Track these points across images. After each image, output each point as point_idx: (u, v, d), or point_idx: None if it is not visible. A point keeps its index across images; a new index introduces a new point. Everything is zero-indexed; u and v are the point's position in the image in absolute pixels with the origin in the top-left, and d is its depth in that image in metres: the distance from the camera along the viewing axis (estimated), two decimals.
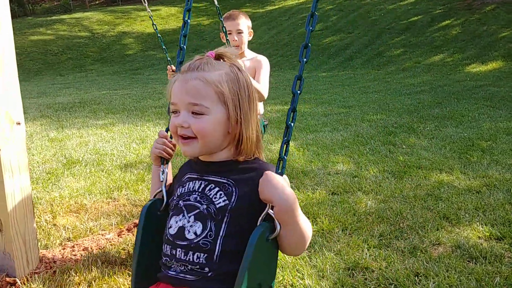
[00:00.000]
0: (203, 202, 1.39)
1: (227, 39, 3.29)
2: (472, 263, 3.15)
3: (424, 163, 5.30)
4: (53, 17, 28.28)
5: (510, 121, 7.50)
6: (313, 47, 20.14)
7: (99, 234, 3.71)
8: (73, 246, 3.49)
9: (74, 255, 3.37)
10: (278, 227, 1.31)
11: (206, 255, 1.35)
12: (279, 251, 1.40)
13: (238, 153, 1.44)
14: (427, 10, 21.49)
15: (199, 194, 1.41)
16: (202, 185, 1.42)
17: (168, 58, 3.35)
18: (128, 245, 3.48)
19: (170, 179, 1.64)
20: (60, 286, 2.90)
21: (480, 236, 3.55)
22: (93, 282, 2.96)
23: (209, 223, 1.36)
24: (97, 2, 36.11)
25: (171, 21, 26.85)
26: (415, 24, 20.38)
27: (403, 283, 2.90)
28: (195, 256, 1.36)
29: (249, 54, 3.54)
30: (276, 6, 27.67)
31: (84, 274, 3.05)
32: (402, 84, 13.01)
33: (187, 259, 1.36)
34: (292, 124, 1.43)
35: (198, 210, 1.38)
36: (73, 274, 3.07)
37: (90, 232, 3.73)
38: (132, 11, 28.75)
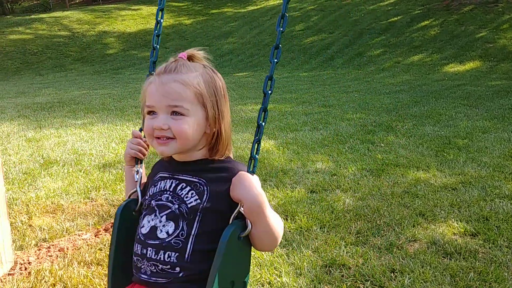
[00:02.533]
0: (174, 202, 1.40)
1: None
2: (447, 259, 3.21)
3: (401, 161, 5.36)
4: (32, 16, 27.85)
5: (486, 120, 7.64)
6: (295, 47, 20.23)
7: (76, 234, 3.67)
8: (49, 247, 3.45)
9: (50, 256, 3.33)
10: (249, 226, 1.34)
11: (177, 254, 1.36)
12: (251, 248, 1.42)
13: (212, 152, 1.47)
14: (406, 10, 21.74)
15: (171, 193, 1.42)
16: (174, 184, 1.44)
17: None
18: (105, 245, 3.45)
19: (144, 179, 1.63)
20: None
21: (455, 232, 3.61)
22: (68, 283, 2.93)
23: (181, 222, 1.38)
24: (77, 1, 35.69)
25: (152, 20, 26.63)
26: (395, 24, 20.61)
27: (379, 279, 2.94)
28: (166, 255, 1.37)
29: None
30: (258, 6, 27.69)
31: (60, 275, 3.02)
32: (382, 83, 13.14)
33: (158, 258, 1.37)
34: (263, 123, 1.44)
35: (170, 210, 1.40)
36: (48, 275, 3.03)
37: (66, 232, 3.69)
38: (113, 10, 28.47)
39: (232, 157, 1.53)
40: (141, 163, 1.63)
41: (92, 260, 3.25)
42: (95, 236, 3.66)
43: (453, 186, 4.55)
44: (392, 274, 3.01)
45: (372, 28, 20.62)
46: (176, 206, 1.39)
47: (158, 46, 1.73)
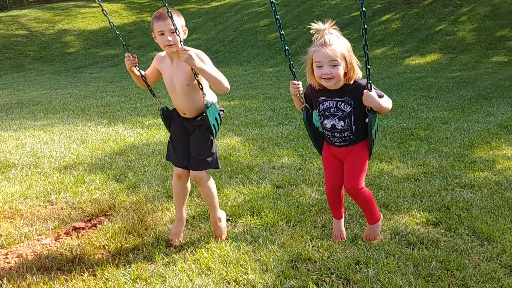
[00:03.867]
0: (338, 112, 2.79)
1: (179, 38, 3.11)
2: (410, 248, 3.26)
3: None
4: None
5: (447, 111, 7.82)
6: (259, 43, 20.21)
7: (35, 239, 3.55)
8: (7, 254, 3.33)
9: (8, 262, 3.22)
10: (376, 112, 2.78)
11: (349, 131, 2.83)
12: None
13: (347, 79, 2.74)
14: (368, 5, 22.00)
15: (335, 108, 2.80)
16: (334, 103, 2.80)
17: (124, 43, 3.30)
18: (66, 249, 3.35)
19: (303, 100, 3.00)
20: None
21: (418, 222, 3.67)
22: None
23: (346, 119, 2.80)
24: None
25: (114, 17, 26.06)
26: (357, 19, 20.82)
27: (344, 271, 2.96)
28: (344, 133, 2.84)
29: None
30: (221, 2, 27.50)
31: (18, 282, 2.92)
32: None
33: (341, 135, 2.85)
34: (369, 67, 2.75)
35: (338, 115, 2.80)
36: (6, 282, 2.92)
37: (25, 238, 3.56)
38: (72, 7, 27.73)
39: (360, 74, 2.77)
40: (302, 95, 2.95)
41: (53, 265, 3.16)
42: (55, 240, 3.55)
43: (415, 177, 4.63)
44: (357, 266, 3.04)
45: (335, 23, 20.80)
46: (340, 113, 2.80)
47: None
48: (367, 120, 2.77)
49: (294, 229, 3.58)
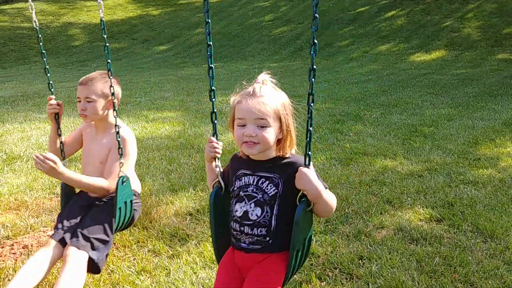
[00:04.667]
0: (258, 193, 1.95)
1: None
2: (413, 244, 3.27)
3: (369, 149, 5.43)
4: None
5: (451, 108, 7.80)
6: (264, 38, 20.18)
7: (41, 231, 3.58)
8: (12, 245, 3.35)
9: (14, 253, 3.24)
10: (312, 204, 1.87)
11: (266, 229, 1.94)
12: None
13: (280, 151, 1.97)
14: (373, 0, 21.94)
15: (254, 186, 1.96)
16: (256, 180, 1.98)
17: (50, 82, 2.88)
18: None
19: (221, 169, 2.14)
20: None
21: (421, 218, 3.68)
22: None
23: (266, 207, 1.94)
24: None
25: (119, 11, 26.13)
26: (362, 14, 20.78)
27: (347, 266, 2.97)
28: (258, 231, 1.94)
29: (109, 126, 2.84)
30: None
31: None
32: (350, 73, 13.26)
33: (253, 233, 1.95)
34: (311, 129, 1.83)
35: (256, 199, 1.95)
36: (12, 273, 2.95)
37: (30, 229, 3.59)
38: (77, 0, 27.77)
39: (294, 151, 2.02)
40: (218, 160, 2.12)
41: None
42: None
43: (419, 173, 4.64)
44: (360, 261, 3.05)
45: (340, 19, 20.76)
46: (260, 195, 1.94)
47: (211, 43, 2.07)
48: (296, 217, 1.86)
49: None
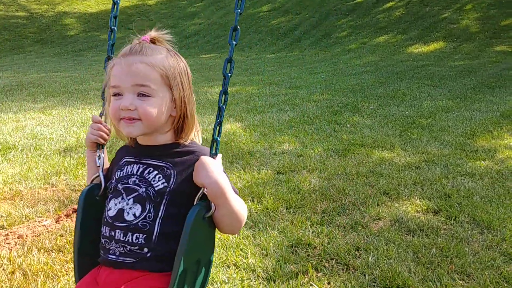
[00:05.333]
0: (142, 185, 1.44)
1: None
2: (410, 236, 3.26)
3: (367, 141, 5.41)
4: None
5: (449, 99, 7.79)
6: (262, 28, 20.08)
7: (36, 221, 3.55)
8: (7, 234, 3.33)
9: (8, 243, 3.22)
10: (213, 207, 1.38)
11: (145, 235, 1.41)
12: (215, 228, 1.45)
13: (178, 135, 1.51)
14: None
15: (138, 177, 1.46)
16: (141, 169, 1.48)
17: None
18: (66, 231, 3.35)
19: (106, 164, 1.66)
20: None
21: (418, 210, 3.67)
22: (28, 270, 2.83)
23: (148, 205, 1.42)
24: None
25: None
26: (361, 5, 20.69)
27: (344, 257, 2.96)
28: (134, 237, 1.41)
29: None
30: None
31: (19, 263, 2.92)
32: (348, 64, 13.22)
33: (126, 239, 1.41)
34: (224, 106, 1.47)
35: (137, 193, 1.44)
36: (7, 263, 2.93)
37: (25, 219, 3.56)
38: None
39: (199, 140, 1.58)
40: (102, 148, 1.65)
41: (53, 246, 3.16)
42: (55, 222, 3.55)
43: (417, 165, 4.62)
44: (356, 252, 3.04)
45: (338, 9, 20.66)
46: (144, 189, 1.43)
47: (115, 28, 1.72)
48: (187, 221, 1.34)
49: (294, 215, 3.58)
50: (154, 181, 1.44)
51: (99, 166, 1.61)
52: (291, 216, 3.56)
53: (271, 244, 3.14)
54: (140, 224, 1.41)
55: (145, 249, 1.40)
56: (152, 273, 1.41)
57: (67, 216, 3.65)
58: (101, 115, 1.68)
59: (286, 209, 3.70)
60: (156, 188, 1.42)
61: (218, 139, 1.44)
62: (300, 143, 5.43)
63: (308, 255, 3.01)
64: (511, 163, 4.69)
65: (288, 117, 6.72)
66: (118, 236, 1.42)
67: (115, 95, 1.44)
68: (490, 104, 7.39)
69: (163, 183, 1.43)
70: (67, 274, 2.82)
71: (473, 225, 3.39)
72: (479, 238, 3.20)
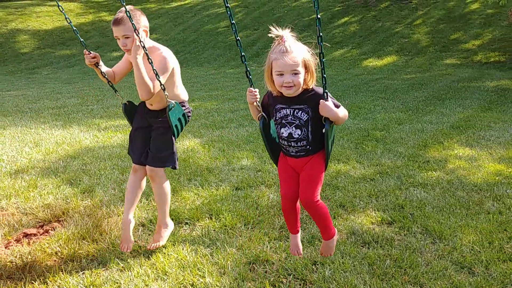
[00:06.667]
0: (295, 120, 2.63)
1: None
2: (365, 248, 3.32)
3: None
4: None
5: (402, 112, 8.02)
6: (220, 44, 20.16)
7: None
8: None
9: None
10: (333, 122, 2.60)
11: (305, 141, 2.67)
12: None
13: (305, 85, 2.58)
14: (327, 7, 22.35)
15: (292, 116, 2.64)
16: (292, 111, 2.63)
17: (82, 40, 3.19)
18: (16, 257, 3.23)
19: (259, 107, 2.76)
20: None
21: (373, 221, 3.74)
22: None
23: (303, 128, 2.64)
24: None
25: (70, 16, 25.41)
26: None
27: (301, 272, 2.98)
28: (301, 143, 2.67)
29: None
30: (182, 3, 27.28)
31: None
32: None
33: (297, 145, 2.68)
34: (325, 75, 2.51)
35: (295, 124, 2.64)
36: None
37: None
38: (26, 6, 26.83)
39: (315, 84, 2.62)
40: (258, 102, 2.71)
41: (2, 273, 3.04)
42: (5, 247, 3.42)
43: (371, 177, 4.73)
44: (314, 267, 3.06)
45: (295, 25, 21.01)
46: (298, 121, 2.63)
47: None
48: (324, 131, 2.62)
49: (252, 231, 3.58)
50: (301, 116, 2.62)
51: (260, 110, 2.73)
52: (249, 232, 3.56)
53: (228, 262, 3.12)
54: (302, 137, 2.66)
55: (308, 147, 2.68)
56: (315, 155, 2.71)
57: (17, 241, 3.52)
58: (250, 85, 2.71)
59: (244, 225, 3.70)
60: (303, 120, 2.62)
61: (327, 91, 2.52)
62: (258, 158, 5.45)
63: (265, 272, 3.02)
64: (461, 173, 4.86)
65: (247, 132, 6.75)
66: (293, 145, 2.68)
67: (278, 74, 2.52)
68: (441, 115, 7.66)
69: (306, 116, 2.61)
70: None
71: (425, 235, 3.49)
72: (432, 248, 3.29)
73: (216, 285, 2.87)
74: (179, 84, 3.33)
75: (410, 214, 3.83)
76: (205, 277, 2.95)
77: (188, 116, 3.37)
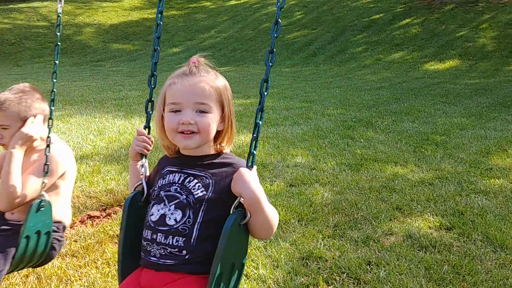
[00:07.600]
0: (182, 193, 1.58)
1: None
2: (422, 252, 3.25)
3: (380, 156, 5.41)
4: (10, 6, 27.25)
5: (464, 117, 7.75)
6: (277, 42, 20.09)
7: None
8: None
9: None
10: (248, 215, 1.50)
11: (184, 239, 1.54)
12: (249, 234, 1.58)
13: (217, 147, 1.67)
14: (388, 8, 21.90)
15: (179, 185, 1.60)
16: (182, 178, 1.62)
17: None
18: (80, 237, 3.41)
19: (148, 172, 1.80)
20: (5, 279, 2.81)
21: (431, 226, 3.65)
22: (42, 274, 2.89)
23: (188, 211, 1.56)
24: None
25: (134, 13, 26.34)
26: (377, 22, 20.74)
27: (355, 271, 2.96)
28: (174, 240, 1.54)
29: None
30: (241, 1, 27.58)
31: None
32: (363, 80, 13.23)
33: (167, 242, 1.55)
34: (260, 122, 1.57)
35: (178, 200, 1.58)
36: None
37: None
38: (93, 1, 28.04)
39: (230, 150, 1.73)
40: (145, 158, 1.79)
41: (67, 251, 3.21)
42: (70, 227, 3.61)
43: (430, 181, 4.61)
44: (368, 267, 3.03)
45: (354, 25, 20.73)
46: (184, 196, 1.57)
47: (158, 48, 1.85)
48: (224, 229, 1.46)
49: (306, 228, 3.59)
50: (194, 189, 1.58)
51: (142, 175, 1.74)
52: (302, 229, 3.57)
53: (282, 255, 3.15)
54: (180, 228, 1.54)
55: (184, 251, 1.54)
56: (190, 276, 1.54)
57: (82, 222, 3.71)
58: (145, 127, 1.81)
59: (298, 221, 3.71)
60: (195, 196, 1.57)
61: (255, 152, 1.55)
62: (313, 156, 5.44)
63: (319, 268, 3.02)
64: None
65: (301, 130, 6.75)
66: (159, 239, 1.56)
67: (173, 111, 1.58)
68: (506, 123, 7.34)
69: (202, 191, 1.57)
70: (80, 279, 2.87)
71: (486, 243, 3.37)
72: (492, 257, 3.17)
73: (270, 277, 2.90)
74: (65, 201, 2.51)
75: (471, 221, 3.71)
76: (258, 268, 2.99)
77: (54, 248, 2.39)
